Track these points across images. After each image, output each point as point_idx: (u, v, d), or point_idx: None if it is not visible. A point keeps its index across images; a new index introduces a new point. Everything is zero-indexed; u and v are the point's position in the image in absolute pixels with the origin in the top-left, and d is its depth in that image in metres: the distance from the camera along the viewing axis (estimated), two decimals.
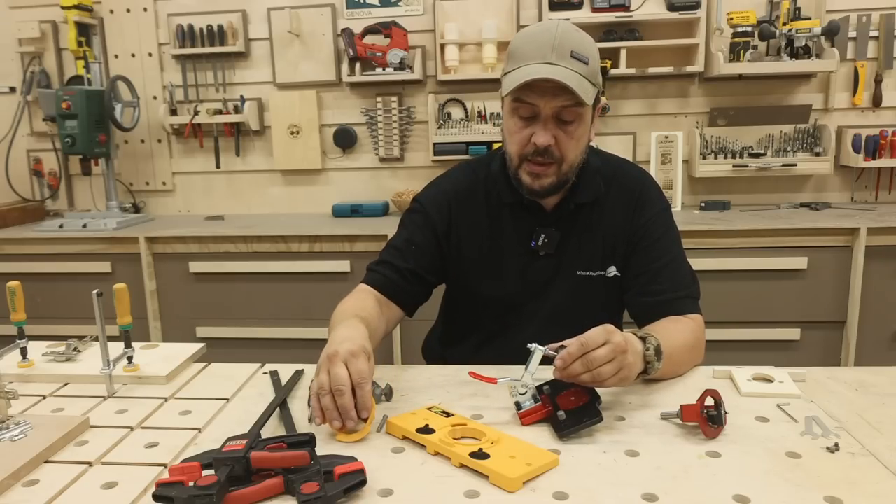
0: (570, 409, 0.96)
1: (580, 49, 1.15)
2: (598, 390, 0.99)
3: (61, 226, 2.77)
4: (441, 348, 1.50)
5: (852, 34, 2.73)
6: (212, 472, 0.80)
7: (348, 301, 1.27)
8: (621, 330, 1.43)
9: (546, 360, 1.00)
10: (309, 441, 0.87)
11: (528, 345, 1.00)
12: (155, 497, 0.77)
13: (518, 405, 1.00)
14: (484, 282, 1.35)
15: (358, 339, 1.03)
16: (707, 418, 0.93)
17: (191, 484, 0.77)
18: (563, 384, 0.99)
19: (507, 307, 1.36)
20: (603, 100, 2.77)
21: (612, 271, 1.32)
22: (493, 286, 1.35)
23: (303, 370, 1.23)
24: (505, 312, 1.36)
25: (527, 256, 1.33)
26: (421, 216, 1.36)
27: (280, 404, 1.05)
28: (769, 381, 1.11)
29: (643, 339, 1.06)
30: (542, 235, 1.30)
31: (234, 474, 0.80)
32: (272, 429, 0.99)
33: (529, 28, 1.21)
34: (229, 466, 0.80)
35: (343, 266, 2.55)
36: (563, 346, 0.98)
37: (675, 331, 1.16)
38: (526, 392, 0.99)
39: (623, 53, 2.70)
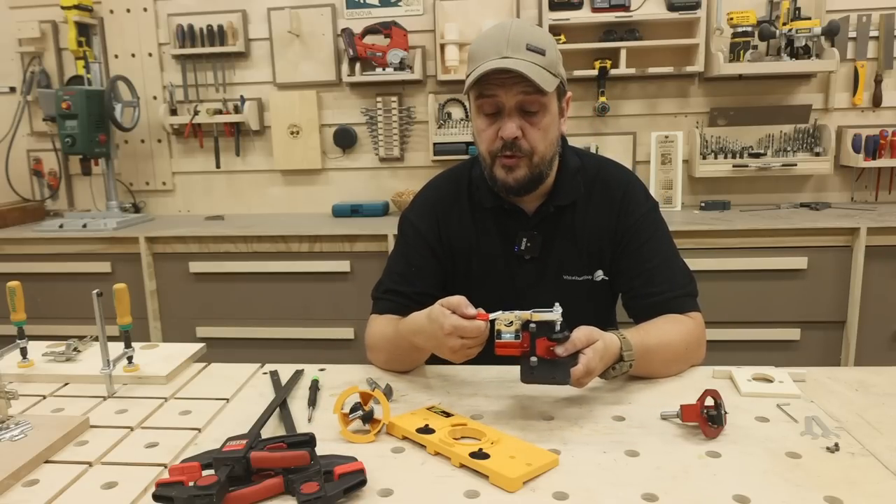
0: (545, 359, 0.96)
1: (535, 41, 1.15)
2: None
3: (61, 226, 2.76)
4: None
5: (852, 34, 2.73)
6: (212, 472, 0.80)
7: (375, 331, 1.27)
8: (616, 325, 1.44)
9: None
10: (309, 441, 0.87)
11: (556, 305, 0.99)
12: (155, 497, 0.77)
13: (498, 333, 0.99)
14: (473, 287, 1.35)
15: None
16: (707, 418, 0.93)
17: (191, 484, 0.77)
18: (550, 330, 0.98)
19: (496, 311, 1.35)
20: (602, 100, 2.78)
21: (600, 275, 1.32)
22: (482, 291, 1.34)
23: (302, 370, 1.23)
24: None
25: (512, 261, 1.32)
26: (413, 234, 1.36)
27: (280, 404, 1.05)
28: (769, 381, 1.11)
29: (622, 358, 1.08)
30: (525, 240, 1.30)
31: (234, 474, 0.80)
32: (272, 429, 0.99)
33: (486, 30, 1.22)
34: (229, 466, 0.80)
35: (343, 266, 2.55)
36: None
37: (668, 332, 1.17)
38: (511, 326, 0.99)
39: (623, 53, 2.70)
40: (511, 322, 0.99)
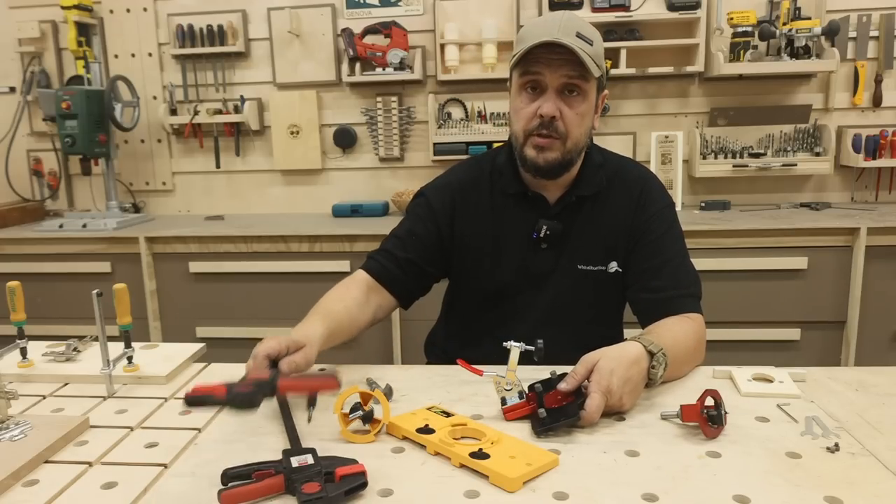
0: (553, 408, 0.97)
1: (585, 32, 1.20)
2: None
3: (61, 226, 2.76)
4: (443, 341, 1.51)
5: (852, 34, 2.73)
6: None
7: (336, 290, 1.32)
8: (622, 328, 1.44)
9: (526, 356, 1.03)
10: (333, 374, 0.90)
11: (504, 343, 1.02)
12: (190, 402, 0.79)
13: (503, 401, 1.01)
14: (484, 272, 1.37)
15: (310, 336, 1.11)
16: (707, 418, 0.93)
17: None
18: (554, 383, 0.99)
19: (506, 298, 1.37)
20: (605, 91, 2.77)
21: (614, 267, 1.33)
22: (493, 276, 1.36)
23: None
24: (505, 304, 1.37)
25: (528, 248, 1.34)
26: (424, 207, 1.39)
27: (280, 404, 1.05)
28: (769, 381, 1.11)
29: (652, 353, 1.05)
30: (545, 227, 1.32)
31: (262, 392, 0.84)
32: (273, 429, 0.99)
33: (535, 18, 1.25)
34: (258, 387, 0.81)
35: (343, 266, 2.55)
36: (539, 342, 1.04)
37: (679, 333, 1.17)
38: (511, 389, 1.00)
39: (623, 53, 2.70)
40: (510, 385, 1.00)
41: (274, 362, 1.00)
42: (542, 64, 1.19)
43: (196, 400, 0.80)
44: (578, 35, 1.18)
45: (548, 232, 1.32)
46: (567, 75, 1.19)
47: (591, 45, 1.20)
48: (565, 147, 1.24)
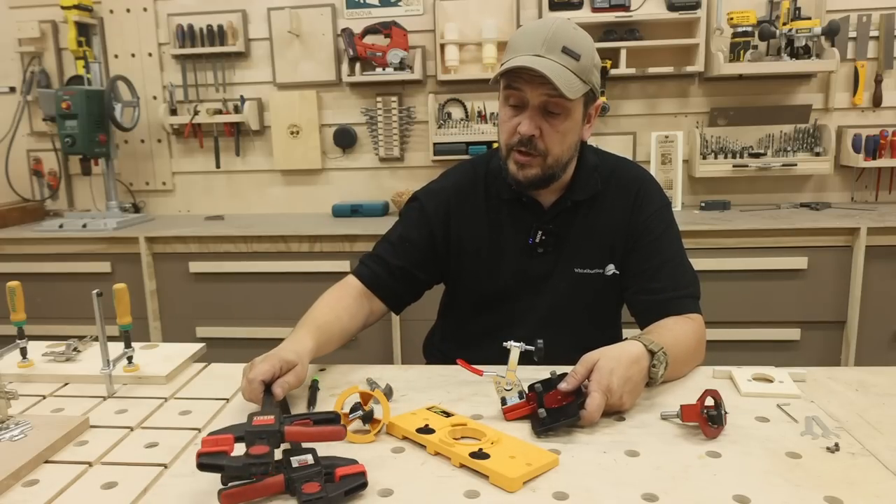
0: (553, 408, 0.97)
1: (572, 45, 1.16)
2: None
3: (61, 226, 2.76)
4: (440, 343, 1.51)
5: (852, 34, 2.73)
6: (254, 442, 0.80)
7: (328, 297, 1.31)
8: (621, 328, 1.45)
9: (526, 356, 1.03)
10: (336, 419, 0.87)
11: (504, 343, 1.02)
12: (202, 466, 0.76)
13: (503, 401, 1.01)
14: (481, 277, 1.36)
15: (301, 353, 1.09)
16: (707, 418, 0.93)
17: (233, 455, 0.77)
18: (554, 383, 1.00)
19: (504, 303, 1.36)
20: (602, 100, 2.77)
21: (611, 269, 1.33)
22: (490, 282, 1.36)
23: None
24: (503, 308, 1.37)
25: (525, 253, 1.33)
26: (418, 211, 1.38)
27: (281, 404, 1.05)
28: (769, 381, 1.11)
29: (653, 352, 1.05)
30: (540, 232, 1.31)
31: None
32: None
33: (529, 23, 1.23)
34: (263, 439, 0.79)
35: (343, 266, 2.55)
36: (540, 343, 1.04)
37: (679, 333, 1.17)
38: (511, 389, 1.00)
39: (623, 53, 2.70)
40: (510, 385, 1.00)
41: (267, 386, 1.00)
42: (523, 80, 1.17)
43: (207, 465, 0.77)
44: (565, 50, 1.15)
45: (543, 237, 1.31)
46: (547, 94, 1.16)
47: (578, 59, 1.15)
48: (546, 163, 1.23)
